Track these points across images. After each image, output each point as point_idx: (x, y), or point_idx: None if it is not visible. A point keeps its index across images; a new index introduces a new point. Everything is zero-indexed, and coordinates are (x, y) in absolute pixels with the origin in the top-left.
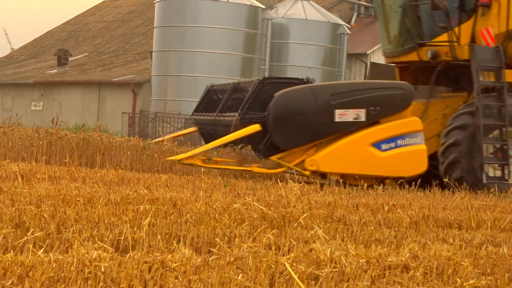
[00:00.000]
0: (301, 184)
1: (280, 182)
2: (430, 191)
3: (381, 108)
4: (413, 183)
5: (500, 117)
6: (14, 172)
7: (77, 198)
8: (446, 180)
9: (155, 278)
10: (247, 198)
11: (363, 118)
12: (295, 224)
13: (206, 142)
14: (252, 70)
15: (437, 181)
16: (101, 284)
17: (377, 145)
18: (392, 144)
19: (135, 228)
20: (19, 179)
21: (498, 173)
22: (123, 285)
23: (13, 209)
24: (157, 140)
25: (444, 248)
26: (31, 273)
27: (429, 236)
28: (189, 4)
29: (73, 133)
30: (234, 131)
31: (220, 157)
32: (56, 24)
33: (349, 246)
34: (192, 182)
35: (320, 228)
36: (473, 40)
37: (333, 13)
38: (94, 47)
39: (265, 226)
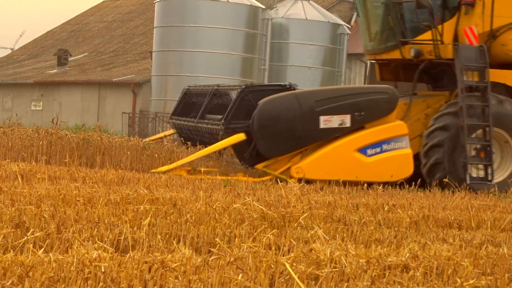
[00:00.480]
0: (301, 184)
1: (280, 182)
2: (430, 191)
3: (366, 113)
4: (413, 183)
5: (484, 117)
6: (14, 172)
7: (77, 198)
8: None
9: (155, 278)
10: (247, 198)
11: (348, 124)
12: (295, 224)
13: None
14: (252, 70)
15: (437, 181)
16: (101, 284)
17: (362, 150)
18: (378, 149)
19: (135, 228)
20: (19, 179)
21: (482, 174)
22: (123, 285)
23: (13, 209)
24: (153, 138)
25: (444, 248)
26: (31, 273)
27: (429, 236)
28: (189, 4)
29: (73, 133)
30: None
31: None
32: (56, 24)
33: (349, 246)
34: (192, 182)
35: (320, 228)
36: (456, 39)
37: (333, 13)
38: (94, 47)
39: (265, 226)
